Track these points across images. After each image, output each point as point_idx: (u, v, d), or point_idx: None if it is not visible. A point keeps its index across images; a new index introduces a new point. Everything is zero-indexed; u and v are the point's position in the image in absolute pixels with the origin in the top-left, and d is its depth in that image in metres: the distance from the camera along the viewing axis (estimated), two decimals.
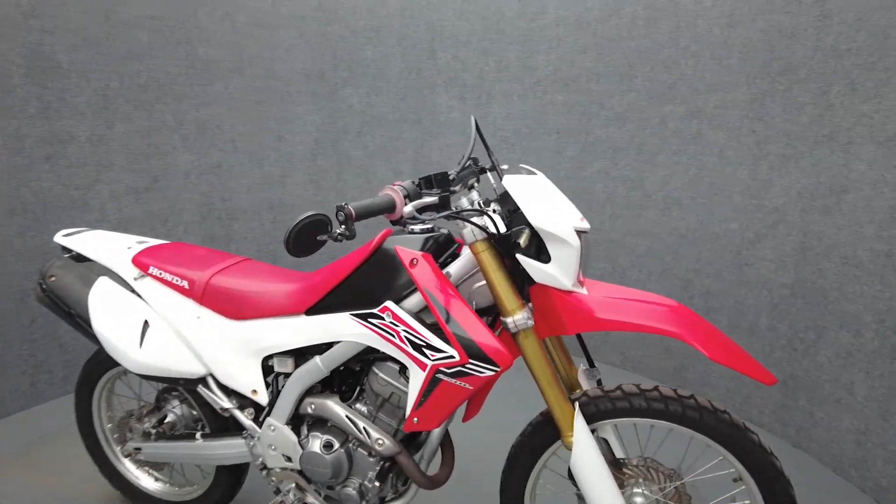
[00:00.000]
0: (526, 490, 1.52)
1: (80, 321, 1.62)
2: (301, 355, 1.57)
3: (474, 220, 1.31)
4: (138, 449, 1.84)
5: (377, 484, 1.50)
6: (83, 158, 2.83)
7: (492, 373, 1.26)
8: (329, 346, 1.52)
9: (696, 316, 1.32)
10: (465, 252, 1.43)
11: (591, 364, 1.52)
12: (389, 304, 1.38)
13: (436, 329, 1.35)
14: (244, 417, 1.61)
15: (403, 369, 1.46)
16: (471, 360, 1.26)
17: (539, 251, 1.31)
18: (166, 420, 1.85)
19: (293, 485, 1.62)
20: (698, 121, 2.70)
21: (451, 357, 1.28)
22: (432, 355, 1.30)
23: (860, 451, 2.16)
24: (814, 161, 2.29)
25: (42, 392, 2.84)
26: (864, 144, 2.12)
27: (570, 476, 1.55)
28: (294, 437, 1.55)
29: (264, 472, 1.64)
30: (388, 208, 1.24)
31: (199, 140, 3.15)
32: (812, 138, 2.29)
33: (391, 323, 1.37)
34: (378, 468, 1.51)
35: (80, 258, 1.80)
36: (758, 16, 2.44)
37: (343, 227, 1.16)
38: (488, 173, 1.62)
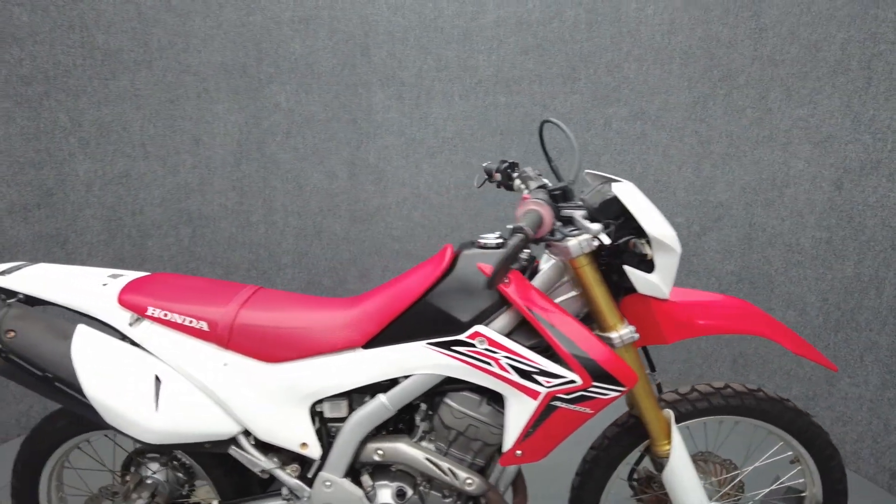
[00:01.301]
0: (601, 502, 1.50)
1: (60, 386, 1.26)
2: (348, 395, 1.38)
3: (589, 233, 1.23)
4: None
5: None
6: None
7: (617, 394, 1.20)
8: (392, 381, 1.36)
9: (762, 311, 1.38)
10: (549, 265, 1.35)
11: (653, 368, 1.52)
12: (481, 328, 1.25)
13: (543, 352, 1.26)
14: (289, 477, 1.37)
15: (487, 399, 1.34)
16: (594, 383, 1.19)
17: (639, 261, 1.29)
18: (157, 492, 1.52)
19: None
20: (642, 122, 2.85)
21: (572, 382, 1.20)
22: (547, 382, 1.21)
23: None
24: (755, 159, 2.53)
25: None
26: (801, 144, 2.39)
27: (631, 479, 1.55)
28: (359, 491, 1.36)
29: None
30: (539, 224, 1.14)
31: (101, 144, 2.65)
32: (753, 138, 2.53)
33: (486, 350, 1.25)
34: None
35: (29, 302, 1.41)
36: (696, 25, 2.64)
37: (528, 251, 1.11)
38: (537, 178, 1.55)
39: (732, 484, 1.50)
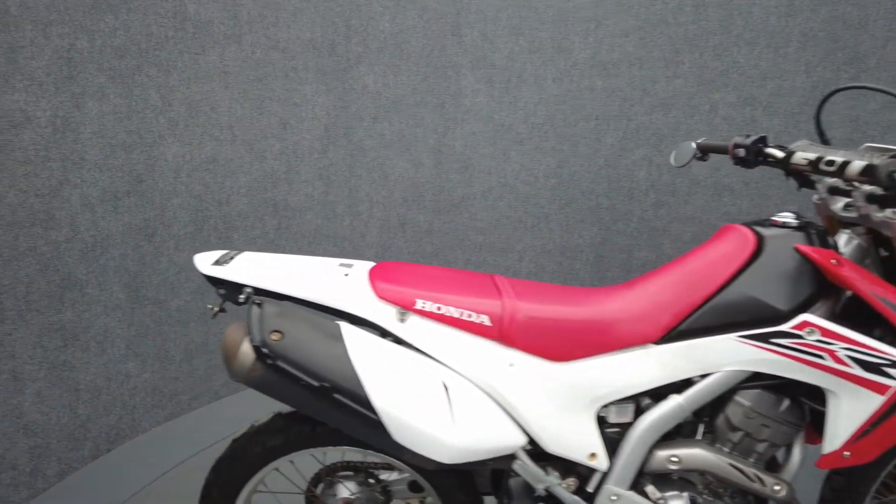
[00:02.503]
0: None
1: (339, 398, 1.03)
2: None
3: None
4: None
5: None
6: (45, 150, 1.95)
7: None
8: (685, 381, 1.20)
9: None
10: (850, 247, 1.22)
11: None
12: (811, 317, 1.11)
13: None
14: (566, 492, 1.20)
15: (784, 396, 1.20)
16: None
17: None
18: None
19: None
20: (752, 108, 2.77)
21: None
22: None
23: None
24: (887, 143, 2.47)
25: (6, 499, 1.91)
26: None
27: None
28: None
29: None
30: None
31: (189, 126, 2.38)
32: (883, 123, 2.48)
33: (818, 342, 1.11)
34: None
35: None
36: (820, 6, 2.57)
37: None
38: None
39: None
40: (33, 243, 1.94)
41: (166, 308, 2.40)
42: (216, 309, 1.14)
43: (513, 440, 1.12)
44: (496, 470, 1.40)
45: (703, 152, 1.63)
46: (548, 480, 1.17)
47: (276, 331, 1.04)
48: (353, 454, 2.19)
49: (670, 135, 2.95)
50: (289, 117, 2.67)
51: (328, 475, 1.42)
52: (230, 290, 1.14)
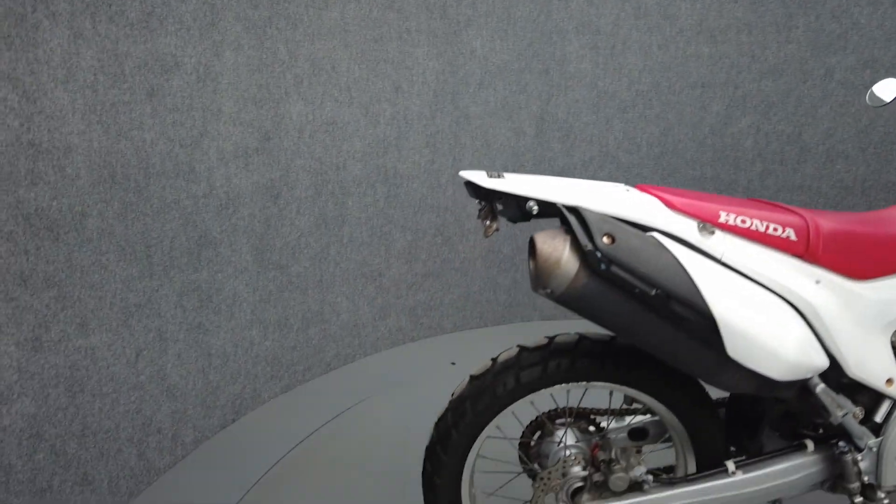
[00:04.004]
0: None
1: (676, 309, 0.93)
2: None
3: None
4: None
5: None
6: (189, 99, 1.86)
7: None
8: None
9: None
10: None
11: None
12: None
13: None
14: (855, 424, 1.11)
15: None
16: None
17: None
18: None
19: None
20: (873, 71, 2.69)
21: None
22: None
23: None
24: None
25: (153, 464, 1.81)
26: None
27: None
28: None
29: (861, 498, 1.15)
30: None
31: (312, 85, 2.30)
32: None
33: None
34: None
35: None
36: None
37: None
38: None
39: None
40: (177, 196, 1.85)
41: (287, 273, 2.31)
42: (495, 226, 1.04)
43: (821, 361, 1.03)
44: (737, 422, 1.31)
45: None
46: (849, 407, 1.08)
47: (607, 234, 0.95)
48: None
49: (780, 102, 2.87)
50: (401, 81, 2.59)
51: (549, 420, 1.33)
52: (508, 205, 1.05)
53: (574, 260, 0.95)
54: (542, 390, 1.19)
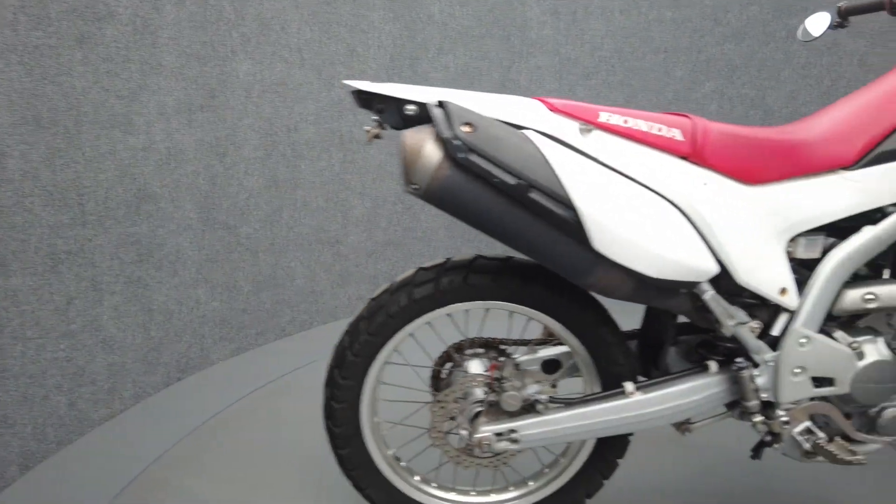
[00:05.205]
0: None
1: (535, 198, 0.91)
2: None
3: None
4: (501, 435, 1.16)
5: None
6: (125, 50, 1.85)
7: None
8: (878, 213, 1.09)
9: None
10: None
11: None
12: None
13: None
14: (751, 336, 1.08)
15: None
16: None
17: None
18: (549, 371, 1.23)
19: (806, 424, 1.14)
20: (835, 31, 2.66)
21: None
22: None
23: None
24: None
25: (86, 415, 1.81)
26: None
27: None
28: (847, 349, 1.08)
29: (761, 417, 1.12)
30: None
31: (261, 45, 2.29)
32: None
33: None
34: None
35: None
36: None
37: None
38: None
39: None
40: (113, 146, 1.84)
41: (236, 234, 2.30)
42: (375, 131, 1.03)
43: (708, 265, 1.00)
44: (647, 349, 1.29)
45: (845, 17, 1.52)
46: (739, 316, 1.05)
47: (467, 123, 0.93)
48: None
49: (743, 65, 2.84)
50: (356, 44, 2.58)
51: (457, 352, 1.31)
52: (389, 111, 1.03)
53: (437, 151, 0.94)
54: (438, 310, 1.17)
